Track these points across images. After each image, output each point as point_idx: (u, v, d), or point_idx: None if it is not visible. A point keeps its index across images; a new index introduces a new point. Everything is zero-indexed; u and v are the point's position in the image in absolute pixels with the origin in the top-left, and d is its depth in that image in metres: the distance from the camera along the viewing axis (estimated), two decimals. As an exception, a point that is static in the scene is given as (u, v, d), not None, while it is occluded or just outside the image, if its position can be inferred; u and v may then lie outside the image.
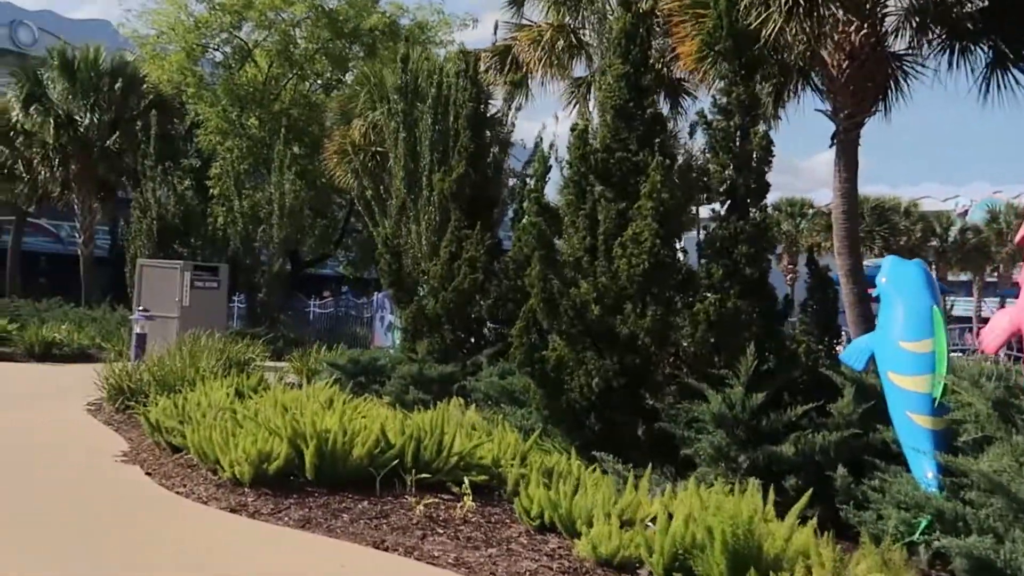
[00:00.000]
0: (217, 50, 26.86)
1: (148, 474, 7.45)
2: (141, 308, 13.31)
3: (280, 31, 26.64)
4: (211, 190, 24.58)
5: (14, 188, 26.80)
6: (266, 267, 22.24)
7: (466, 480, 6.68)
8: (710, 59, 11.42)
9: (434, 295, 12.51)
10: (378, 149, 20.61)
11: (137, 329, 12.54)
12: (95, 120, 24.44)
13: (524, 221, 11.22)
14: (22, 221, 31.05)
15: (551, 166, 10.83)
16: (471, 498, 6.44)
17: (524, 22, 17.99)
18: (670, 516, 5.24)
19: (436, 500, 6.53)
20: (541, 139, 13.65)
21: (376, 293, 22.29)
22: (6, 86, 25.57)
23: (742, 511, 5.04)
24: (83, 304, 24.06)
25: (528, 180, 14.30)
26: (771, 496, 5.74)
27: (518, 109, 15.52)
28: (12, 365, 16.31)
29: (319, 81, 28.43)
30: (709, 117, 7.95)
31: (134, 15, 25.77)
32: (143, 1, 25.54)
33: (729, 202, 7.78)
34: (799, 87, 13.10)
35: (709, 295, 7.46)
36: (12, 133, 25.18)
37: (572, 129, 8.81)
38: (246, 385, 9.78)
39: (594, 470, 7.04)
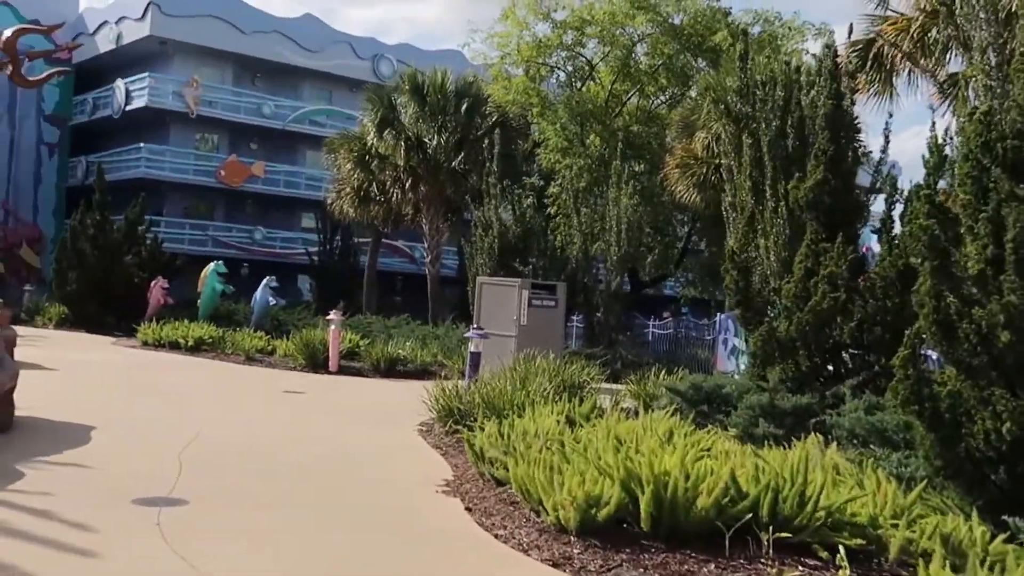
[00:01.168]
0: (560, 69, 26.85)
1: (468, 509, 6.73)
2: (476, 326, 12.94)
3: (621, 47, 26.14)
4: (549, 208, 24.46)
5: (370, 210, 28.23)
6: (604, 286, 21.63)
7: (841, 548, 5.33)
8: None
9: (787, 316, 11.09)
10: (721, 161, 19.38)
11: (472, 347, 12.14)
12: (442, 142, 25.13)
13: (905, 229, 9.56)
14: (378, 242, 32.80)
15: (947, 156, 9.09)
16: (848, 571, 5.10)
17: (889, 13, 16.05)
18: None
19: (800, 571, 5.25)
20: (934, 132, 11.76)
21: (719, 314, 20.95)
22: (364, 112, 27.00)
23: None
24: (429, 322, 24.71)
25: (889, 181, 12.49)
26: None
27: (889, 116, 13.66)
28: (358, 380, 16.72)
29: (660, 96, 27.62)
30: None
31: (480, 38, 26.34)
32: (489, 23, 25.59)
33: None
34: None
35: None
36: (368, 157, 26.50)
37: (970, 114, 7.16)
38: (578, 411, 8.92)
39: (1007, 539, 5.47)
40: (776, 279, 12.25)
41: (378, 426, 10.95)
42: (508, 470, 6.81)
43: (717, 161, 19.56)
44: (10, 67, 31.47)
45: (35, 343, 20.17)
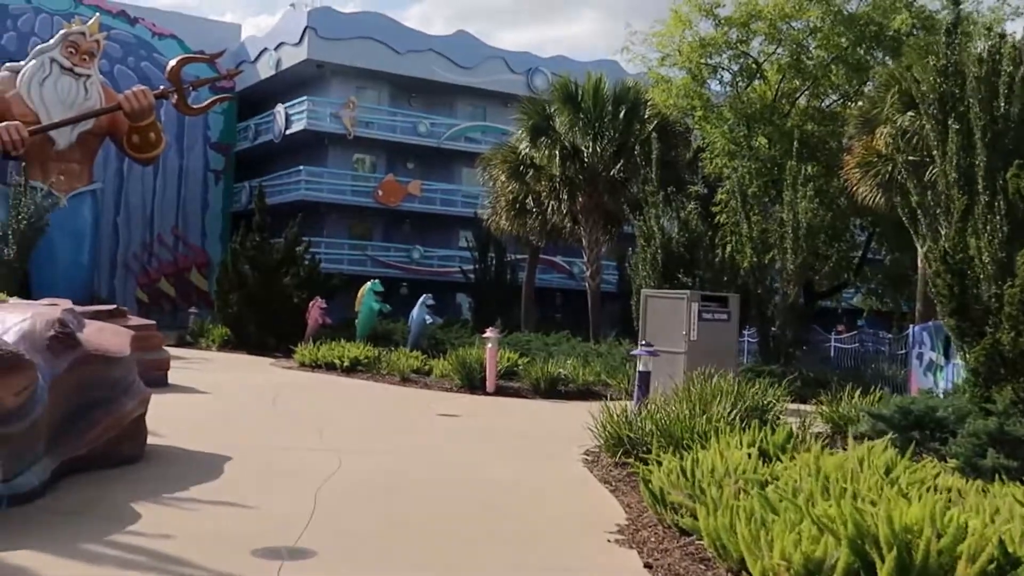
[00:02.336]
0: (724, 69, 25.28)
1: (648, 566, 5.50)
2: (644, 342, 11.67)
3: (791, 42, 24.39)
4: (716, 217, 22.94)
5: (526, 223, 27.30)
6: (778, 297, 19.96)
7: None
8: None
9: (1012, 327, 9.43)
10: (910, 157, 17.52)
11: (640, 366, 10.92)
12: (598, 149, 23.96)
13: None
14: (536, 258, 31.88)
15: None
16: None
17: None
18: None
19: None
20: None
21: (911, 326, 18.98)
22: (517, 122, 26.15)
23: None
24: (591, 339, 23.54)
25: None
26: None
27: None
28: (516, 401, 15.69)
29: (834, 93, 25.67)
30: None
31: (638, 40, 25.02)
32: (649, 24, 24.26)
33: None
34: None
35: None
36: (522, 168, 25.60)
37: None
38: (771, 441, 7.57)
39: None
40: (992, 283, 10.57)
41: (539, 454, 9.84)
42: (696, 518, 5.57)
43: (904, 156, 17.67)
44: (175, 96, 32.25)
45: (194, 365, 20.09)
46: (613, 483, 8.05)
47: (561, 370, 17.11)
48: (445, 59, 39.96)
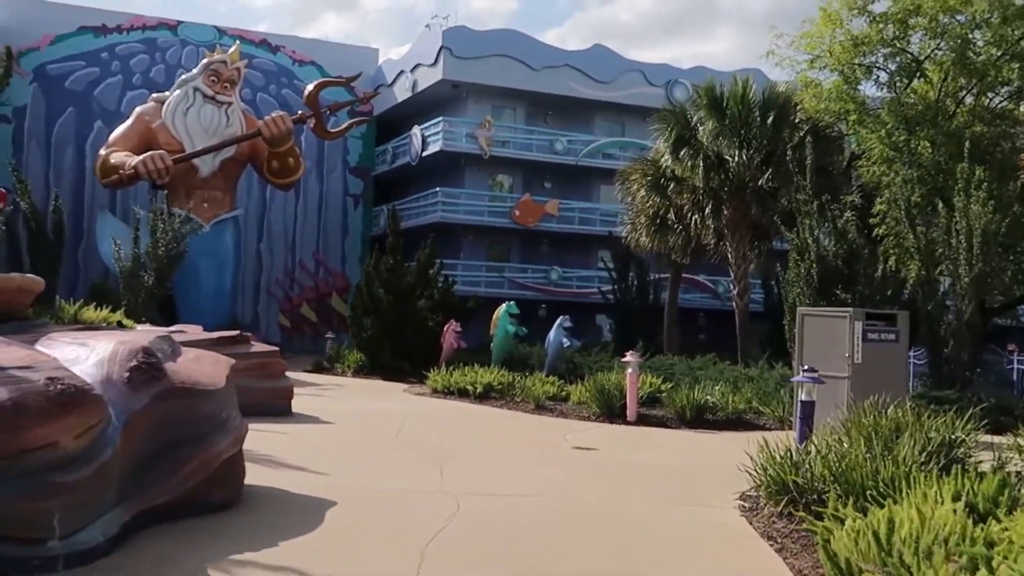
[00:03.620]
0: (880, 68, 23.36)
1: (836, 668, 4.22)
2: (807, 368, 10.20)
3: (955, 37, 22.34)
4: (875, 230, 21.08)
5: (667, 240, 25.88)
6: (952, 314, 18.02)
7: None
8: None
9: None
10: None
11: (802, 395, 9.50)
12: (745, 158, 22.41)
13: None
14: (678, 277, 30.39)
15: None
16: None
17: None
18: None
19: None
20: None
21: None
22: (656, 132, 24.81)
23: None
24: (739, 362, 21.97)
25: None
26: None
27: None
28: (660, 432, 14.37)
29: (1006, 90, 23.41)
30: None
31: (784, 43, 23.35)
32: (796, 26, 22.54)
33: None
34: None
35: None
36: (662, 181, 24.21)
37: None
38: (979, 492, 6.11)
39: None
40: None
41: (688, 498, 8.57)
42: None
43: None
44: (313, 120, 32.23)
45: (327, 392, 19.54)
46: (778, 539, 6.72)
47: (708, 396, 15.72)
48: (582, 74, 38.95)
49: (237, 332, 14.60)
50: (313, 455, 9.99)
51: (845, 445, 8.06)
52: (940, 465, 7.40)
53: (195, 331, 15.11)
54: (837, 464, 7.31)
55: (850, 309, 15.00)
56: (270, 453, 9.54)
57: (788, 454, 7.79)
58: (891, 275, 19.04)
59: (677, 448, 12.50)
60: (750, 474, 8.07)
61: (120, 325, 18.05)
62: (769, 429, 15.17)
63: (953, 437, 8.92)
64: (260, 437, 11.23)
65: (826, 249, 18.59)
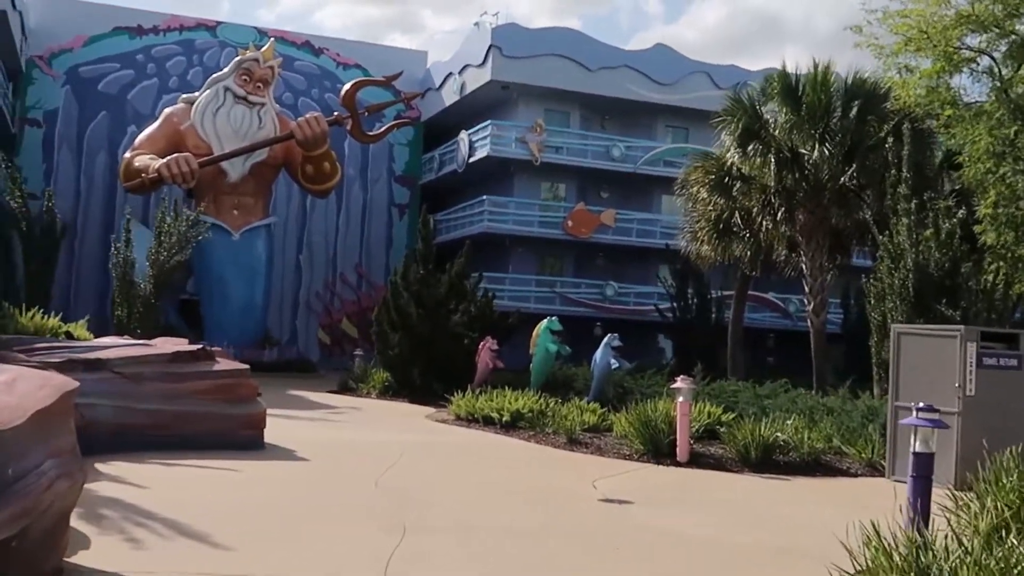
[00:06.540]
0: (985, 52, 20.17)
1: None
2: (921, 405, 7.19)
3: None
4: (980, 237, 17.94)
5: (733, 248, 22.79)
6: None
7: None
8: None
9: None
10: None
11: (916, 444, 6.60)
12: (824, 154, 19.37)
13: None
14: (744, 293, 27.30)
15: None
16: None
17: None
18: None
19: None
20: None
21: None
22: (721, 124, 21.81)
23: None
24: (814, 389, 18.91)
25: None
26: None
27: None
28: (717, 476, 11.46)
29: None
30: None
31: (875, 19, 20.24)
32: (886, 3, 19.40)
33: None
34: None
35: None
36: (727, 179, 21.19)
37: None
38: None
39: None
40: None
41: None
42: None
43: None
44: (351, 122, 29.82)
45: (335, 418, 17.03)
46: None
47: (779, 433, 12.77)
48: (642, 75, 36.13)
49: (200, 347, 12.08)
50: (229, 518, 7.31)
51: (991, 521, 5.21)
52: None
53: (167, 344, 12.69)
54: (986, 562, 4.47)
55: (960, 327, 12.00)
56: (166, 513, 6.95)
57: (915, 550, 4.89)
58: (999, 288, 15.98)
59: (739, 505, 9.61)
60: (848, 546, 5.18)
61: (68, 335, 15.89)
62: (855, 475, 12.22)
63: None
64: (176, 482, 8.64)
65: (926, 257, 15.55)
